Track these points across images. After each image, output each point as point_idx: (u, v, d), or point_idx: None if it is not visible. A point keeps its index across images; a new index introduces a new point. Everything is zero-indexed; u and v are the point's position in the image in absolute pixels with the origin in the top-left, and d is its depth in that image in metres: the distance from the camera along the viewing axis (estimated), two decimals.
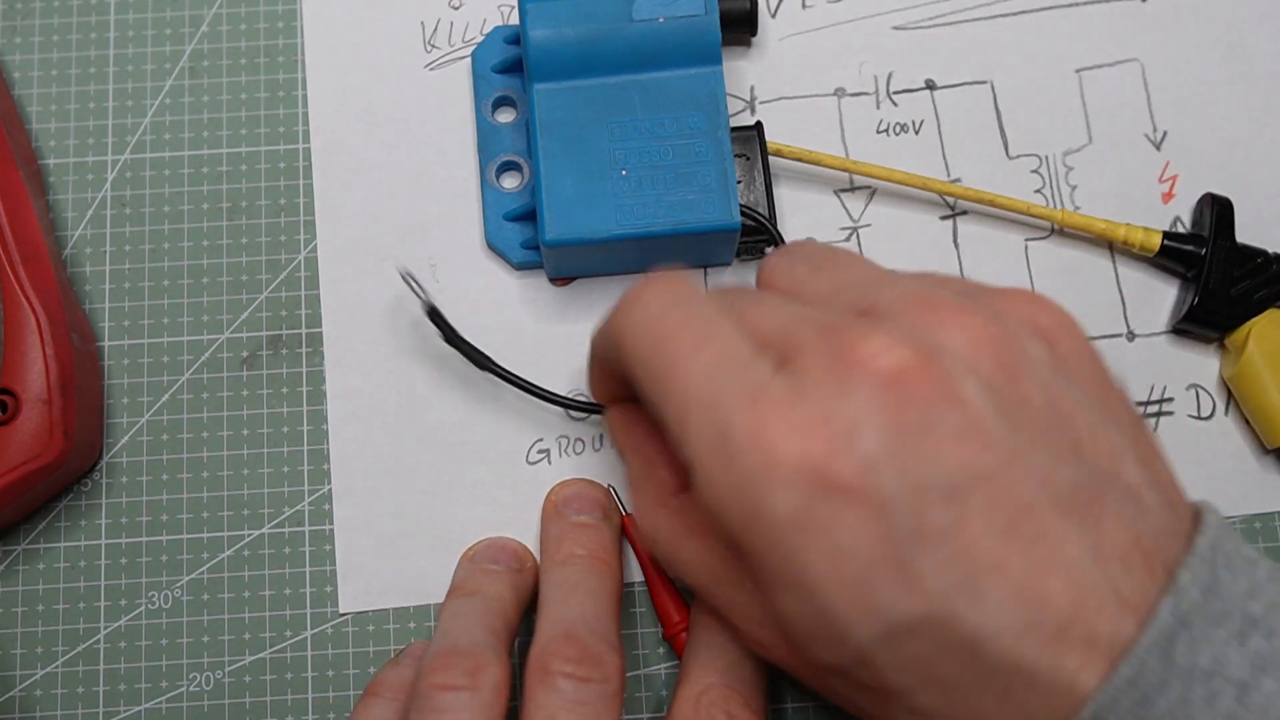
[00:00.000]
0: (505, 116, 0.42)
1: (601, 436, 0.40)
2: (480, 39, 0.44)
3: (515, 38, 0.42)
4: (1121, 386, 0.30)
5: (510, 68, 0.42)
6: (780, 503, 0.26)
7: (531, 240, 0.41)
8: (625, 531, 0.38)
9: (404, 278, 0.39)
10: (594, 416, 0.40)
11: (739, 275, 0.41)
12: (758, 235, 0.39)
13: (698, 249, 0.40)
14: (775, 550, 0.27)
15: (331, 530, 0.39)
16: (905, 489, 0.25)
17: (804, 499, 0.26)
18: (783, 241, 0.39)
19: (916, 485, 0.26)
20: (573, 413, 0.40)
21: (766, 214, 0.39)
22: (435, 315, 0.38)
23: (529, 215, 0.41)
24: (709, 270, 0.41)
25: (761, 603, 0.30)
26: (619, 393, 0.36)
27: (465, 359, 0.39)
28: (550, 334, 0.41)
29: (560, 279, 0.41)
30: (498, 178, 0.42)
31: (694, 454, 0.28)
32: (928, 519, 0.26)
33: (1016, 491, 0.26)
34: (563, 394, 0.39)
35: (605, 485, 0.39)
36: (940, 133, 0.43)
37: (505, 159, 0.42)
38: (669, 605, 0.38)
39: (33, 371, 0.37)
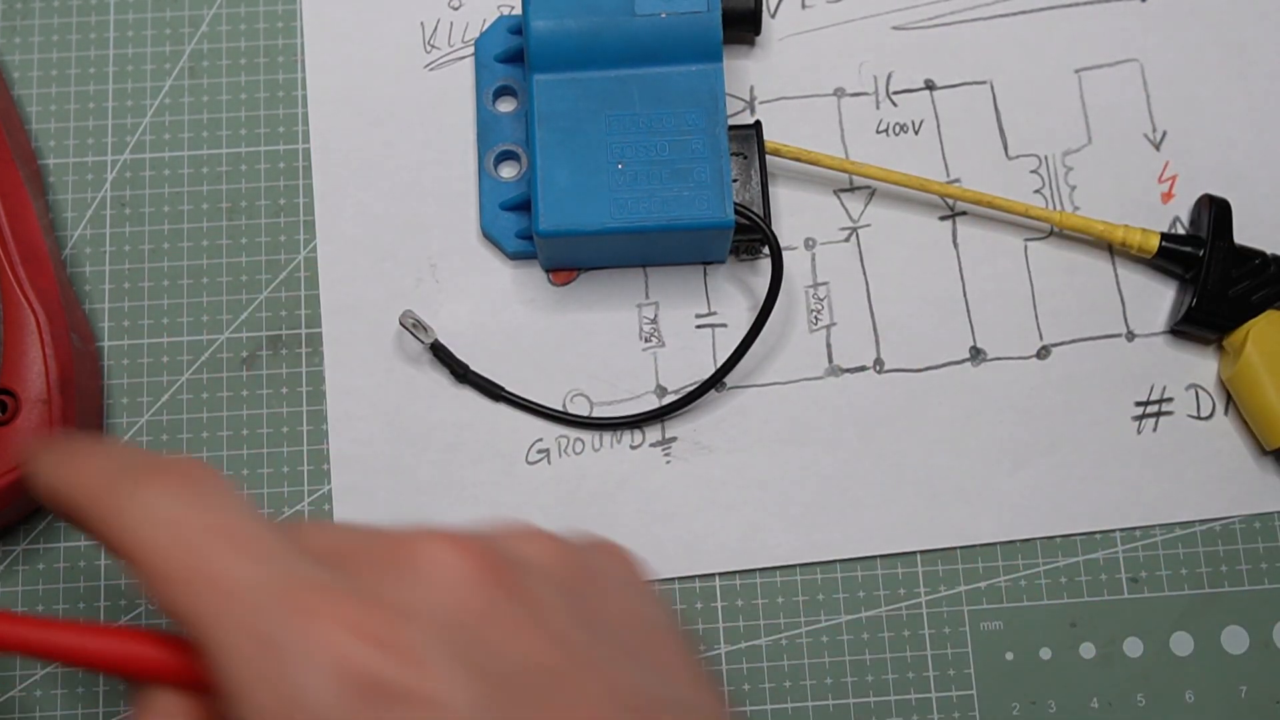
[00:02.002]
0: (506, 106, 0.42)
1: (601, 437, 0.40)
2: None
3: (519, 27, 0.42)
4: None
5: (513, 57, 0.42)
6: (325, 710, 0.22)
7: (526, 230, 0.41)
8: None
9: (402, 324, 0.40)
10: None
11: (733, 273, 0.41)
12: (752, 234, 0.39)
13: (691, 245, 0.40)
14: None
15: None
16: (466, 682, 0.22)
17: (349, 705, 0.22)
18: (776, 240, 0.39)
19: (479, 676, 0.23)
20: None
21: (761, 213, 0.39)
22: (440, 351, 0.40)
23: (524, 205, 0.41)
24: (706, 268, 0.42)
25: None
26: None
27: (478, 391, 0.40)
28: (550, 333, 0.41)
29: (559, 277, 0.41)
30: (495, 167, 0.42)
31: (230, 673, 0.22)
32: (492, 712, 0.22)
33: (587, 692, 0.24)
34: (562, 393, 0.40)
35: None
36: (940, 133, 0.43)
37: (504, 148, 0.42)
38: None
39: (33, 371, 0.37)
